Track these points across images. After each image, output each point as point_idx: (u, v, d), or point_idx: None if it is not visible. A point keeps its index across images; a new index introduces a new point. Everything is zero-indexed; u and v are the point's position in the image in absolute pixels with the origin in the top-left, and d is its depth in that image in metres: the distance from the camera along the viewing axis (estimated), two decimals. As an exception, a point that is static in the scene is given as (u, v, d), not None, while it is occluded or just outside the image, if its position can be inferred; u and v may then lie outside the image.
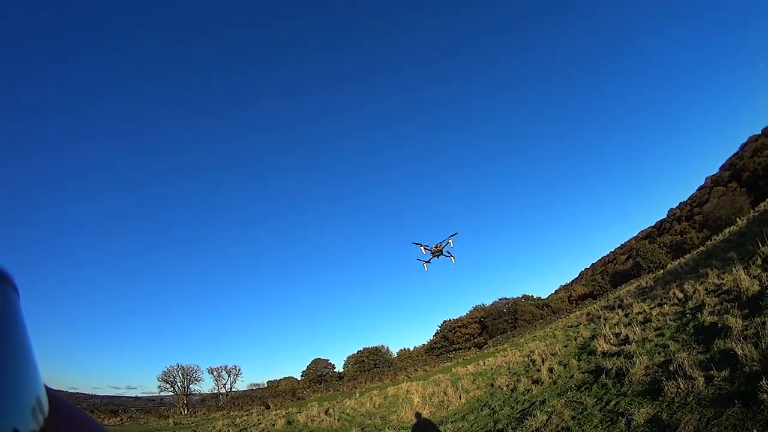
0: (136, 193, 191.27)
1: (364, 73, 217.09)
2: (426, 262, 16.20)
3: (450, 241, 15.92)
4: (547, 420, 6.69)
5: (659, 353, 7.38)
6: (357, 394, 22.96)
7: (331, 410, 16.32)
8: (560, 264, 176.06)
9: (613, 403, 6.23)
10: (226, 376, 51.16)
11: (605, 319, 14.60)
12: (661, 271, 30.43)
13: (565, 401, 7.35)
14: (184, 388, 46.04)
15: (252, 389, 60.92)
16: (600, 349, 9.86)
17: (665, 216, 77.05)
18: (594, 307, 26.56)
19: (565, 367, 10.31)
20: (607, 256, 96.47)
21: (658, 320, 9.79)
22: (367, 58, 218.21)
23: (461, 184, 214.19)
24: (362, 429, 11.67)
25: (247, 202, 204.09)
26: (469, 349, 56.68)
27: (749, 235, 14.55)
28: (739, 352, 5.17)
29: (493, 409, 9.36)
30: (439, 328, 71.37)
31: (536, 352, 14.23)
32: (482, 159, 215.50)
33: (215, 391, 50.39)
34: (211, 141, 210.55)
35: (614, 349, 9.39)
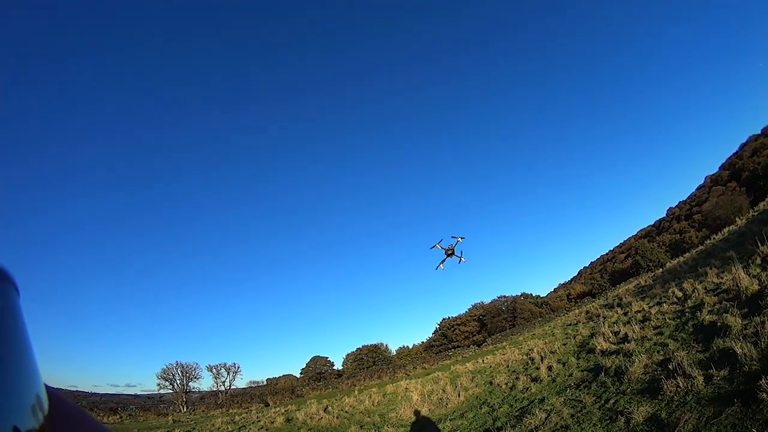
0: (135, 193, 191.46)
1: (364, 73, 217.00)
2: (441, 262, 16.89)
3: (459, 239, 16.63)
4: (546, 418, 6.70)
5: (658, 352, 7.39)
6: (356, 392, 23.04)
7: (330, 408, 16.36)
8: (559, 262, 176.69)
9: (612, 401, 6.23)
10: (225, 374, 51.36)
11: (604, 318, 14.62)
12: (660, 269, 30.52)
13: (564, 399, 7.36)
14: (184, 385, 46.13)
15: (251, 387, 61.24)
16: (599, 347, 9.86)
17: (664, 215, 77.24)
18: (593, 306, 26.57)
19: (564, 366, 10.32)
20: (607, 254, 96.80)
21: (657, 319, 9.80)
22: (367, 58, 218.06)
23: (461, 182, 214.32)
24: (361, 426, 11.70)
25: (247, 201, 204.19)
26: (468, 347, 56.80)
27: (748, 234, 14.59)
28: (739, 351, 5.17)
29: (491, 407, 9.37)
30: (438, 326, 71.49)
31: (535, 350, 14.24)
32: (482, 158, 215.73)
33: (214, 389, 50.61)
34: (211, 141, 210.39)
35: (613, 347, 9.40)
